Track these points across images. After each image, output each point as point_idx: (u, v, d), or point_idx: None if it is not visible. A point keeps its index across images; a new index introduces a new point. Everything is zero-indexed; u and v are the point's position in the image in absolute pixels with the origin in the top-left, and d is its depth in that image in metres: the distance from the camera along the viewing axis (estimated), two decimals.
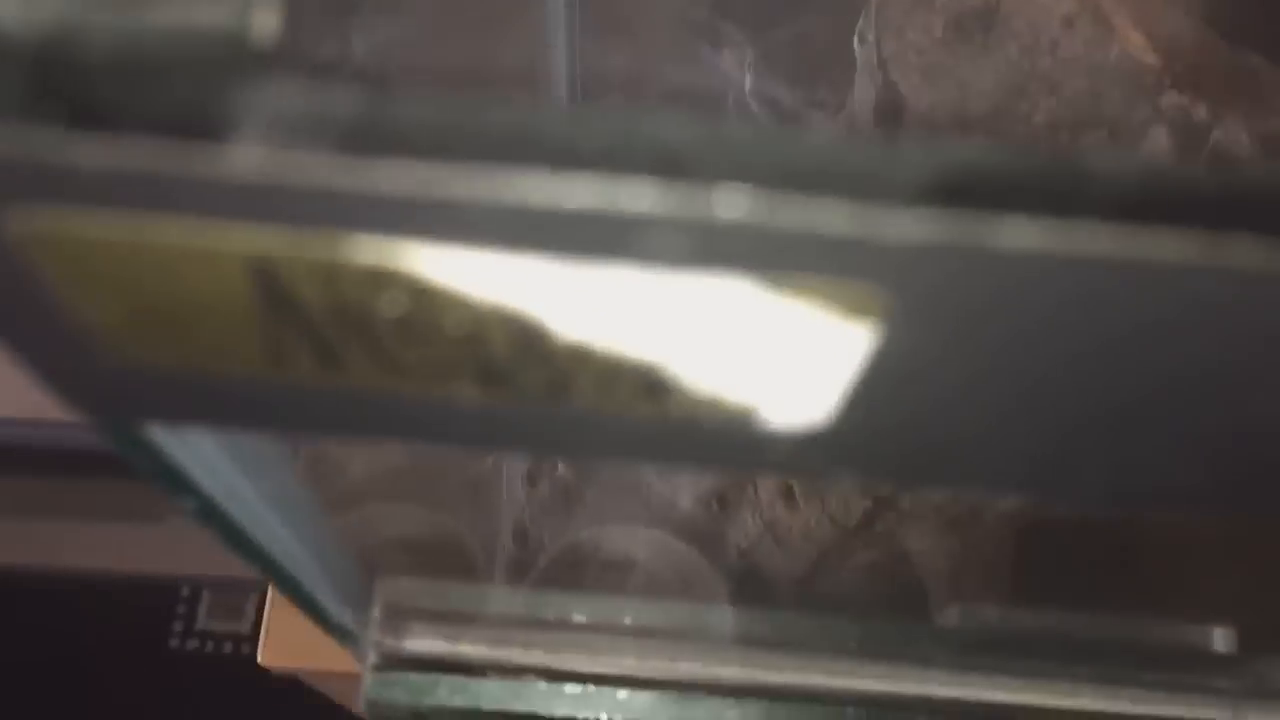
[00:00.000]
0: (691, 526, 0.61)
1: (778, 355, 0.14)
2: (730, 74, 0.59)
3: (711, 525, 0.61)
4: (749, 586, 0.60)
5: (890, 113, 0.35)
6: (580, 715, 0.27)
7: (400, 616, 0.24)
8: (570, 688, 0.24)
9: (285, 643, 0.70)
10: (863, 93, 0.36)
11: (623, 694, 0.25)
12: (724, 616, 0.45)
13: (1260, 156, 0.27)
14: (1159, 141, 0.27)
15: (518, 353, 0.14)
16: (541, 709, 0.26)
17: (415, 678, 0.24)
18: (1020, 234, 0.11)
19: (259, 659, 0.71)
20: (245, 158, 0.11)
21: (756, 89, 0.59)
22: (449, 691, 0.24)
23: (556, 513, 0.62)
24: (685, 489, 0.62)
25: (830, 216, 0.11)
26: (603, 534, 0.62)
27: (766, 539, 0.58)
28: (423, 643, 0.24)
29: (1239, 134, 0.26)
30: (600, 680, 0.24)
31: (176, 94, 0.11)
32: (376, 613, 0.24)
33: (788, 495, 0.55)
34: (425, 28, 0.62)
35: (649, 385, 0.15)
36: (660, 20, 0.60)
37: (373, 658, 0.24)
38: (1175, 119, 0.27)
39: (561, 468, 0.64)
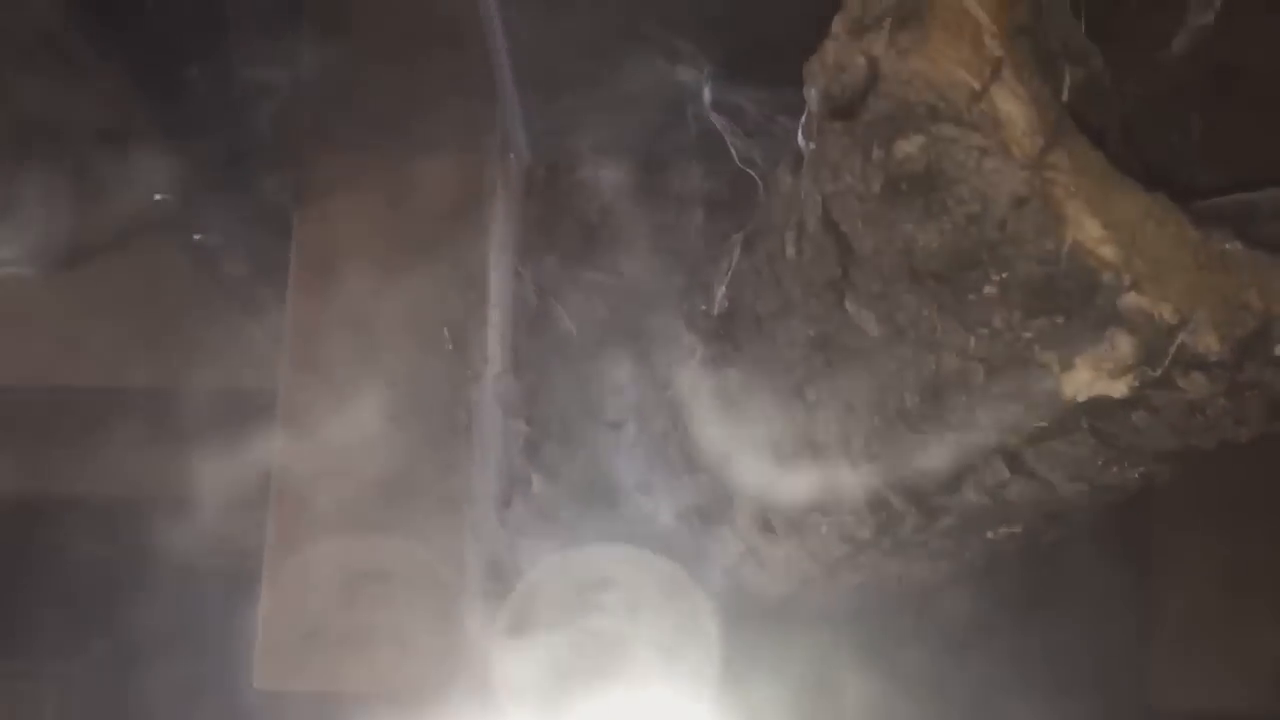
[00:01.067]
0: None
1: None
2: (688, 85, 0.56)
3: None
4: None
5: (837, 248, 0.32)
6: None
7: None
8: None
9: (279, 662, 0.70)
10: (808, 213, 0.33)
11: None
12: None
13: (1233, 361, 0.24)
14: (1119, 346, 0.25)
15: None
16: None
17: None
18: None
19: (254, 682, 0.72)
20: None
21: (717, 100, 0.55)
22: None
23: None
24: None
25: None
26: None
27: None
28: None
29: (1208, 337, 0.23)
30: None
31: None
32: None
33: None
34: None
35: None
36: (614, 35, 0.56)
37: None
38: (1136, 322, 0.25)
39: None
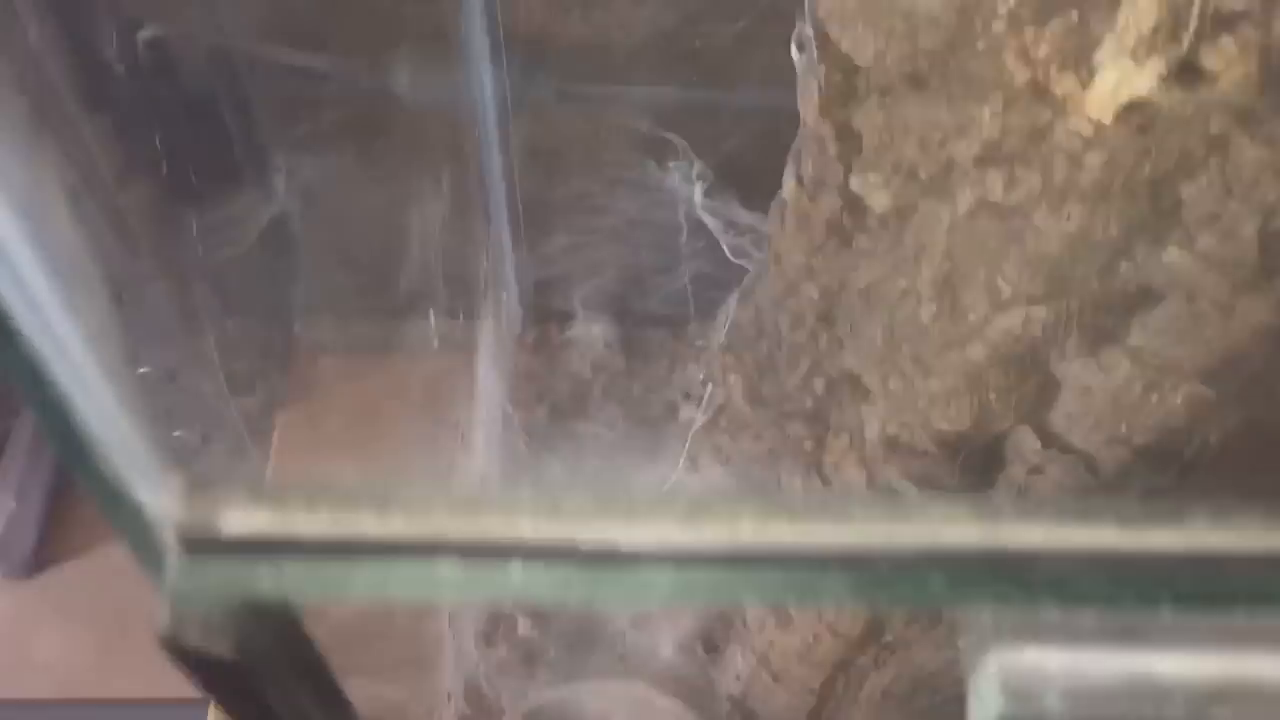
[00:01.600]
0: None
1: None
2: (679, 189, 0.57)
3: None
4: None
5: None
6: (465, 595, 0.20)
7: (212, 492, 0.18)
8: (446, 564, 0.18)
9: None
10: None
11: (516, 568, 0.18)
12: None
13: (1261, 13, 0.23)
14: (1140, 6, 0.24)
15: None
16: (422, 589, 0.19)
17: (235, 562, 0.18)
18: None
19: None
20: None
21: (708, 203, 0.56)
22: (289, 575, 0.18)
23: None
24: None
25: None
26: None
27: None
28: (244, 520, 0.18)
29: None
30: (484, 551, 0.18)
31: None
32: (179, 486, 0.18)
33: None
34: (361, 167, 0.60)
35: None
36: (604, 140, 0.58)
37: (175, 541, 0.18)
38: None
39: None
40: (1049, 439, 0.40)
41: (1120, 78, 0.26)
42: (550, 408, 0.64)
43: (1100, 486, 0.40)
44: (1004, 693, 0.20)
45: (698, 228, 0.56)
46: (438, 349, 0.66)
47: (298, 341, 0.74)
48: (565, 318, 0.66)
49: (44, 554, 1.17)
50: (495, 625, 0.56)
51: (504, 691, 0.54)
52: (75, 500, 1.20)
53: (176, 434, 0.84)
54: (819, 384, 0.43)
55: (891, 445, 0.41)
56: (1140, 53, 0.26)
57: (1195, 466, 0.41)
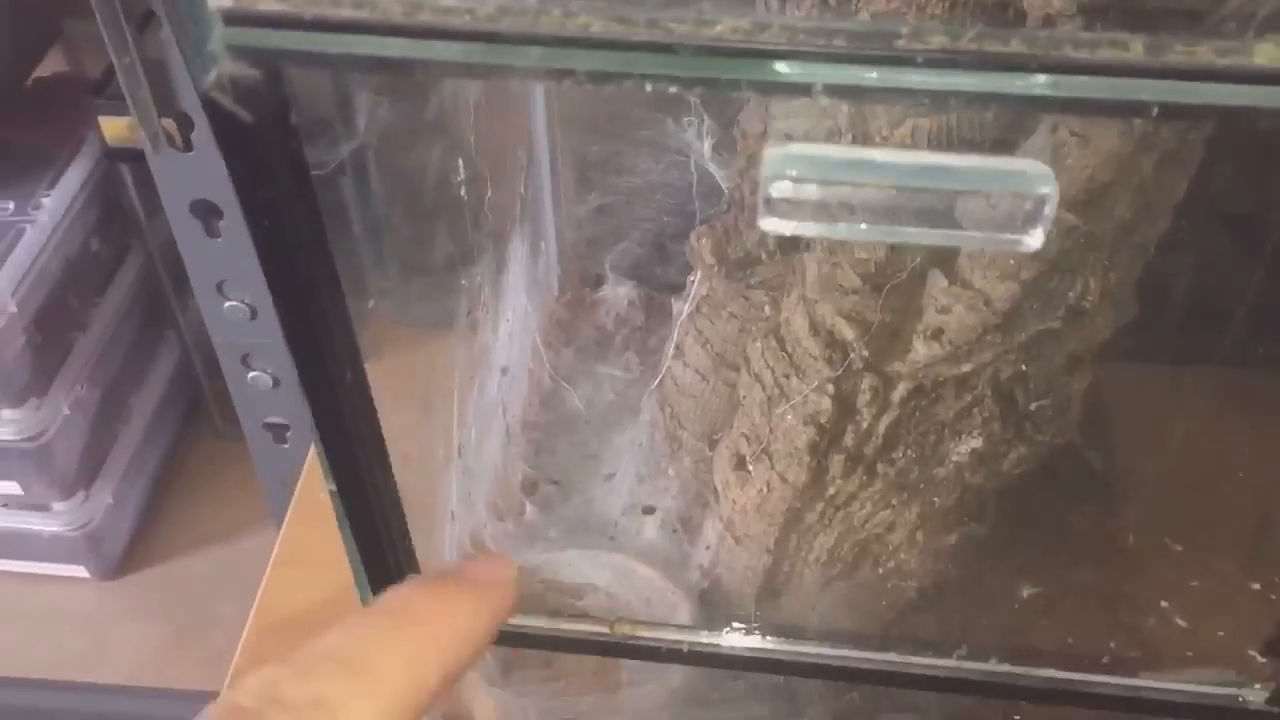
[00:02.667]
0: None
1: None
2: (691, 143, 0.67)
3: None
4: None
5: None
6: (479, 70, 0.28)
7: None
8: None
9: None
10: None
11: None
12: None
13: None
14: None
15: None
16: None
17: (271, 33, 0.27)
18: None
19: None
20: None
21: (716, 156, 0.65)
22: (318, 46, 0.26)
23: None
24: None
25: None
26: None
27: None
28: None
29: None
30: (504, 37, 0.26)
31: None
32: None
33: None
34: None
35: None
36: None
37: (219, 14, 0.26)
38: None
39: None
40: (953, 277, 0.48)
41: None
42: (577, 350, 0.73)
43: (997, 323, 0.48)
44: None
45: (705, 177, 0.66)
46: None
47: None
48: (598, 281, 0.76)
49: (131, 558, 1.28)
50: (505, 504, 0.64)
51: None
52: (166, 511, 1.31)
53: None
54: (771, 240, 0.51)
55: (826, 285, 0.50)
56: None
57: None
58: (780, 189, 0.28)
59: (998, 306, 0.47)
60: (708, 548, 0.59)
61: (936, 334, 0.49)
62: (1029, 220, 0.28)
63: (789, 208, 0.28)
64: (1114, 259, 0.47)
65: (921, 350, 0.50)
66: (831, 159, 0.28)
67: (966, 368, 0.49)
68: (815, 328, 0.51)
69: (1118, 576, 0.60)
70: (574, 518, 0.64)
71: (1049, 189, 0.27)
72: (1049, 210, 0.27)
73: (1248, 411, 0.60)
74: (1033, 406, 0.51)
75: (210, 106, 0.29)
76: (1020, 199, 0.28)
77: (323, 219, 0.32)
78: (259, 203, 0.31)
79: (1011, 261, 0.46)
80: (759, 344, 0.54)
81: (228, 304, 0.94)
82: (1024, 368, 0.50)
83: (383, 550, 0.43)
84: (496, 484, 0.64)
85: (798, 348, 0.52)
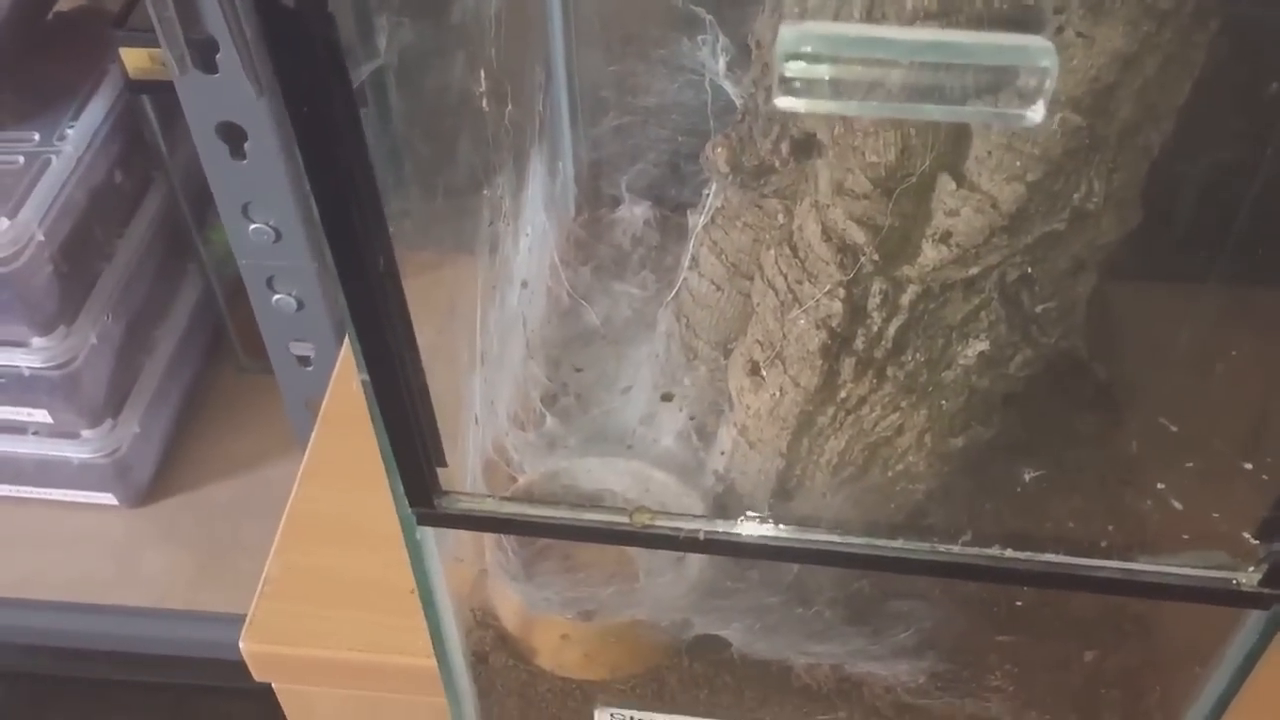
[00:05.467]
0: None
1: None
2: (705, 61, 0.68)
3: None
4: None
5: None
6: None
7: None
8: None
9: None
10: None
11: None
12: None
13: None
14: None
15: None
16: None
17: None
18: None
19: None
20: None
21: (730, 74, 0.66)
22: None
23: None
24: None
25: None
26: None
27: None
28: None
29: None
30: None
31: None
32: None
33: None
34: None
35: None
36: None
37: None
38: None
39: None
40: (961, 181, 0.49)
41: None
42: (594, 268, 0.75)
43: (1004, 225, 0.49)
44: None
45: (720, 95, 0.67)
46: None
47: None
48: (614, 202, 0.77)
49: (158, 486, 1.31)
50: (525, 414, 0.66)
51: (526, 459, 0.63)
52: (192, 440, 1.34)
53: None
54: (785, 146, 0.53)
55: (838, 190, 0.51)
56: None
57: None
58: (794, 68, 0.30)
59: (1004, 208, 0.49)
60: (722, 453, 0.61)
61: (945, 237, 0.51)
62: (1030, 96, 0.29)
63: (803, 86, 0.30)
64: (1118, 161, 0.48)
65: (930, 253, 0.51)
66: (843, 36, 0.29)
67: (974, 270, 0.51)
68: (827, 233, 0.52)
69: (1117, 465, 0.61)
70: (592, 428, 0.66)
71: (1050, 62, 0.29)
72: (1049, 84, 0.29)
73: (1247, 322, 0.62)
74: (1038, 309, 0.53)
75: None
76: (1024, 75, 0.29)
77: (357, 107, 0.34)
78: (299, 88, 0.32)
79: (1018, 164, 0.48)
80: (772, 251, 0.56)
81: (253, 226, 0.96)
82: (1029, 270, 0.52)
83: (413, 441, 0.45)
84: (517, 394, 0.66)
85: (810, 253, 0.53)
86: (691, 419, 0.63)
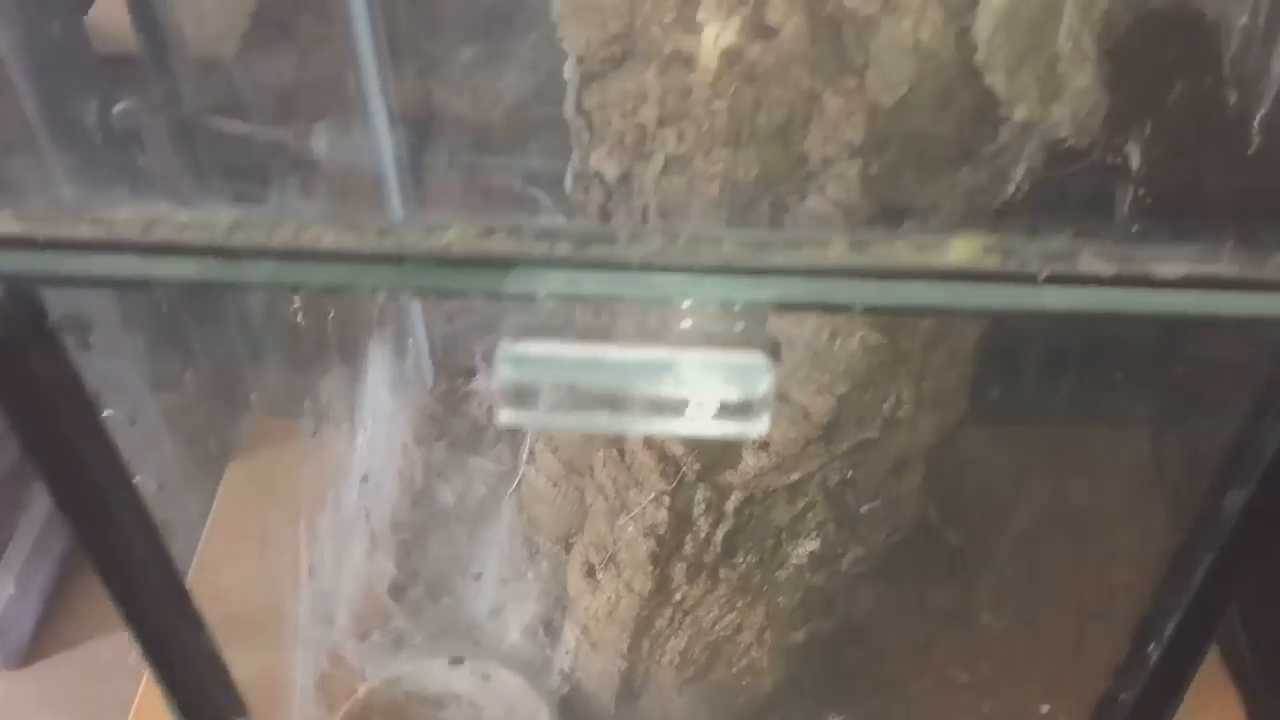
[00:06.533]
0: None
1: None
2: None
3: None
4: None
5: None
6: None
7: None
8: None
9: None
10: None
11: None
12: None
13: None
14: None
15: None
16: None
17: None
18: None
19: None
20: None
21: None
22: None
23: None
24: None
25: None
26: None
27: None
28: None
29: None
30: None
31: None
32: None
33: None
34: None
35: None
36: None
37: None
38: None
39: None
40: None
41: (717, 31, 0.37)
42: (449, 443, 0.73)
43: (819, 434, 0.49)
44: None
45: None
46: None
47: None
48: (470, 373, 0.76)
49: (38, 646, 1.26)
50: (370, 614, 0.64)
51: (368, 666, 0.61)
52: (73, 595, 1.29)
53: None
54: None
55: None
56: (723, 9, 0.36)
57: None
58: (515, 385, 0.29)
59: (816, 420, 0.48)
60: (567, 652, 0.60)
61: (763, 446, 0.50)
62: (753, 411, 0.29)
63: (521, 401, 0.29)
64: (925, 369, 0.48)
65: (750, 461, 0.50)
66: (561, 359, 0.29)
67: (795, 476, 0.50)
68: (648, 442, 0.52)
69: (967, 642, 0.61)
70: (442, 620, 0.65)
71: (765, 383, 0.28)
72: (767, 394, 0.28)
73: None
74: (863, 509, 0.52)
75: None
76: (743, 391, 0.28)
77: (93, 415, 0.33)
78: (23, 413, 0.31)
79: (826, 377, 0.47)
80: (601, 453, 0.55)
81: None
82: (850, 474, 0.51)
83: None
84: (359, 593, 0.64)
85: (635, 460, 0.53)
86: (536, 615, 0.62)
